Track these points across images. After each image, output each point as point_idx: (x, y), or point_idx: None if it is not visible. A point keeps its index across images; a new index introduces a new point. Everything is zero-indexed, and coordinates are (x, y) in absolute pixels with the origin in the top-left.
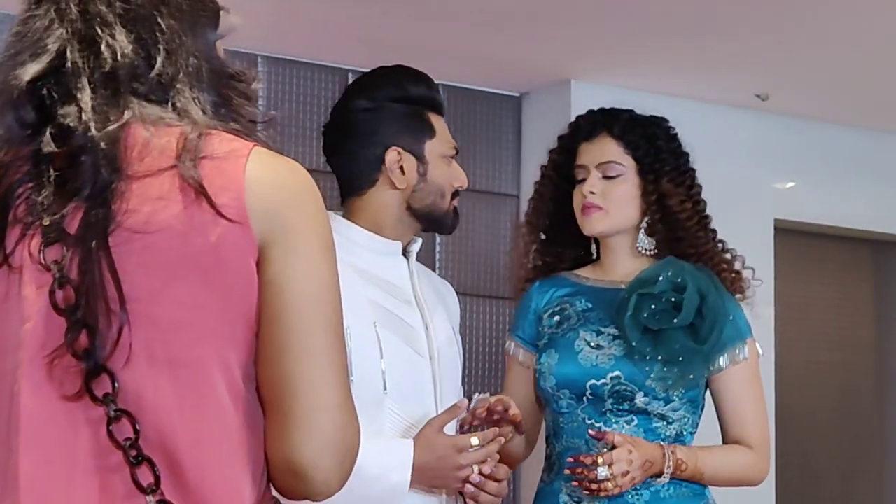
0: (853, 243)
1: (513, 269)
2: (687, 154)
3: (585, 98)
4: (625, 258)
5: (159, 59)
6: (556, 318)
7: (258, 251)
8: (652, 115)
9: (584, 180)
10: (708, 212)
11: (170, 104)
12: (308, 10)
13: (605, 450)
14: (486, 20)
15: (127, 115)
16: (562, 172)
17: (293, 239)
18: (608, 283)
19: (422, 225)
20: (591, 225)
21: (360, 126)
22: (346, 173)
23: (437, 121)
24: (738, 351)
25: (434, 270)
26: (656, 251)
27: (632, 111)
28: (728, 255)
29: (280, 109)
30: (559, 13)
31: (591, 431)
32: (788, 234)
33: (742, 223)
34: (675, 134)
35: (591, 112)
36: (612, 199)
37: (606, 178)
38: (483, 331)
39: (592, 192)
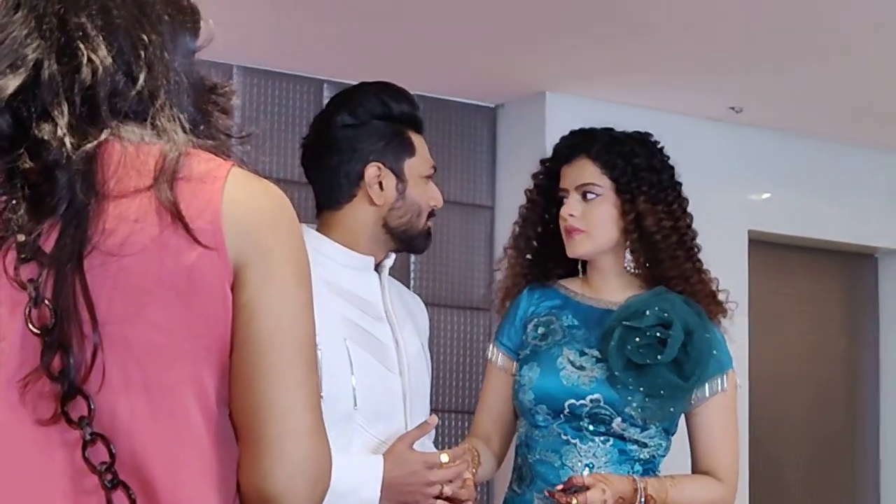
0: (826, 255)
1: (499, 284)
2: (671, 169)
3: (560, 110)
4: (612, 278)
5: (141, 77)
6: (542, 330)
7: (233, 274)
8: (636, 131)
9: (562, 200)
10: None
11: (149, 121)
12: (284, 20)
13: (578, 491)
14: (461, 31)
15: (105, 133)
16: (547, 195)
17: (268, 263)
18: (596, 302)
19: (396, 244)
20: (574, 248)
21: (342, 141)
22: (325, 187)
23: (417, 139)
24: (716, 382)
25: (408, 281)
26: (639, 271)
27: (611, 130)
28: (704, 276)
29: (255, 120)
30: (534, 24)
31: (548, 491)
32: (762, 246)
33: (716, 234)
34: (659, 149)
35: (570, 134)
36: (591, 220)
37: (585, 199)
38: (457, 342)
39: (572, 215)
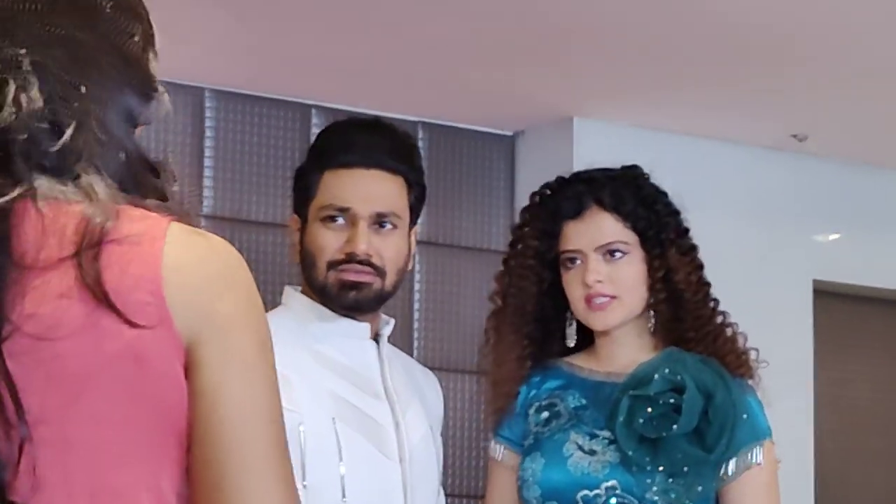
0: None
1: (494, 384)
2: (680, 212)
3: (590, 138)
4: (627, 347)
5: (68, 131)
6: (545, 414)
7: (185, 353)
8: (623, 167)
9: (572, 263)
10: (736, 270)
11: (70, 180)
12: (265, 36)
13: None
14: (474, 49)
15: (19, 189)
16: (543, 259)
17: (226, 337)
18: (605, 376)
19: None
20: (606, 319)
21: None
22: None
23: (335, 177)
24: (751, 455)
25: (411, 341)
26: (657, 334)
27: (607, 169)
28: (730, 331)
29: (231, 152)
30: (559, 40)
31: None
32: (830, 297)
33: (775, 284)
34: (662, 189)
35: (566, 181)
36: (621, 283)
37: (608, 259)
38: (469, 414)
39: (599, 281)
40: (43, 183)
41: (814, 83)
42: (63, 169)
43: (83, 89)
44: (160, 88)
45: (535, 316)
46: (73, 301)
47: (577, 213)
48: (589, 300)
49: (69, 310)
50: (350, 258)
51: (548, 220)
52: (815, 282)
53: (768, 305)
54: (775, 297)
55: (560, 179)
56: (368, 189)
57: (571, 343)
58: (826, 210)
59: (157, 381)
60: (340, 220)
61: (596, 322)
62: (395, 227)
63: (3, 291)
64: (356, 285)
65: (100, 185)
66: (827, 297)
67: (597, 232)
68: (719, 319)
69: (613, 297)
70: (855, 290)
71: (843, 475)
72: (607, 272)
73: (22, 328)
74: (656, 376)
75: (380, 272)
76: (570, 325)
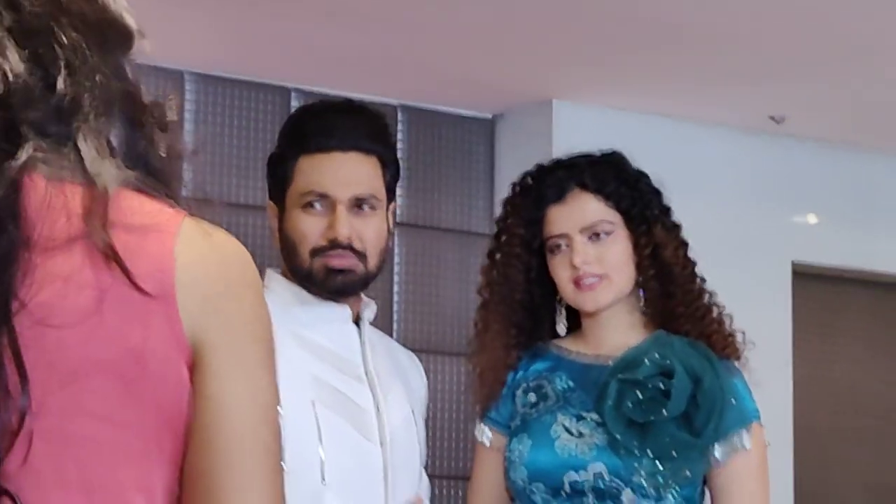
0: (884, 289)
1: (482, 374)
2: (661, 191)
3: (569, 120)
4: (615, 328)
5: (60, 79)
6: (532, 396)
7: (191, 354)
8: (604, 152)
9: (558, 248)
10: (715, 253)
11: (71, 143)
12: (245, 19)
13: None
14: (453, 32)
15: (24, 155)
16: (529, 247)
17: (235, 344)
18: (593, 359)
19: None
20: (596, 300)
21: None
22: None
23: (311, 162)
24: (738, 439)
25: (391, 323)
26: (647, 311)
27: (588, 155)
28: (716, 311)
29: (211, 136)
30: (539, 23)
31: None
32: (809, 279)
33: (754, 266)
34: (643, 170)
35: (547, 167)
36: (609, 262)
37: (594, 239)
38: (451, 395)
39: (587, 263)
40: (45, 153)
41: (791, 65)
42: (62, 129)
43: (66, 38)
44: (138, 34)
45: (522, 304)
46: (81, 285)
47: (559, 197)
48: (577, 282)
49: (75, 295)
50: (333, 244)
51: (531, 207)
52: (794, 263)
53: (748, 287)
54: (755, 279)
55: (540, 167)
56: (347, 173)
57: (562, 331)
58: (804, 192)
59: (159, 383)
60: (319, 206)
61: (586, 303)
62: (373, 208)
63: (11, 263)
64: (341, 271)
65: (103, 152)
66: (806, 278)
67: (580, 214)
68: (706, 298)
69: (602, 277)
70: (833, 272)
71: (823, 455)
72: (594, 253)
73: (27, 305)
74: (645, 360)
75: (361, 256)
76: (560, 312)
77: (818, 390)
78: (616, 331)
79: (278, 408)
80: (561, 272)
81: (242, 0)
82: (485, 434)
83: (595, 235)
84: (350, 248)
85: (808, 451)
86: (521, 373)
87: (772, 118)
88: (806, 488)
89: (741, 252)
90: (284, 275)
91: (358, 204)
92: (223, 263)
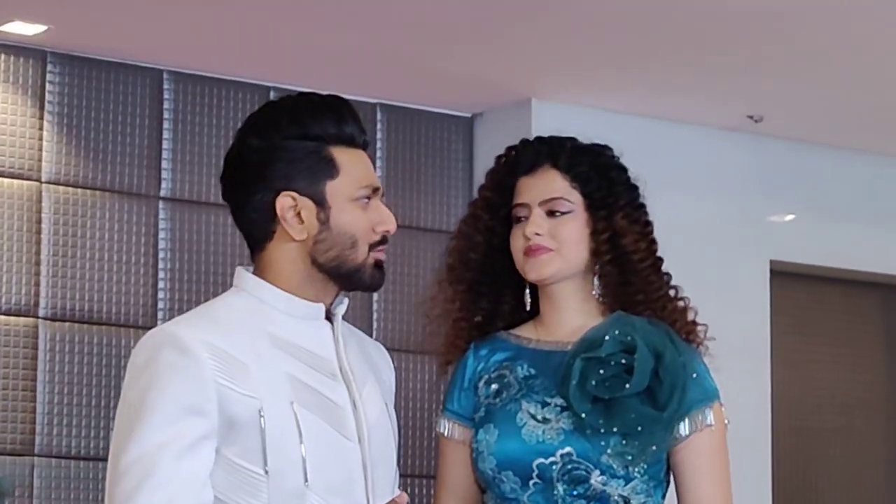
0: (861, 288)
1: (435, 333)
2: (638, 188)
3: (548, 119)
4: (572, 312)
5: None
6: (494, 386)
7: None
8: (595, 143)
9: (523, 220)
10: (693, 251)
11: None
12: (224, 18)
13: None
14: (432, 30)
15: None
16: (496, 212)
17: None
18: (553, 345)
19: (337, 283)
20: (540, 268)
21: (249, 168)
22: (243, 225)
23: (346, 155)
24: (702, 416)
25: (370, 322)
26: (604, 299)
27: (574, 139)
28: (681, 303)
29: (190, 134)
30: (518, 21)
31: None
32: (786, 278)
33: (732, 265)
34: (624, 165)
35: (529, 142)
36: (561, 238)
37: (552, 216)
38: (428, 395)
39: (538, 234)
40: None
41: (770, 64)
42: None
43: None
44: None
45: (479, 265)
46: None
47: (531, 169)
48: (528, 251)
49: None
50: (385, 238)
51: (505, 174)
52: (772, 262)
53: (725, 286)
54: (732, 278)
55: (524, 140)
56: (370, 167)
57: (527, 306)
58: (782, 191)
59: None
60: (369, 200)
61: (530, 270)
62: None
63: None
64: (383, 264)
65: None
66: (783, 277)
67: (544, 187)
68: (672, 292)
69: (550, 250)
70: (811, 271)
71: (800, 453)
72: (548, 227)
73: None
74: (607, 337)
75: None
76: (526, 293)
77: (796, 388)
78: (573, 315)
79: (260, 410)
80: (515, 242)
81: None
82: (447, 427)
83: (553, 212)
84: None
85: (786, 449)
86: (481, 364)
87: (750, 117)
88: (784, 486)
89: (719, 250)
90: (258, 274)
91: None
92: None
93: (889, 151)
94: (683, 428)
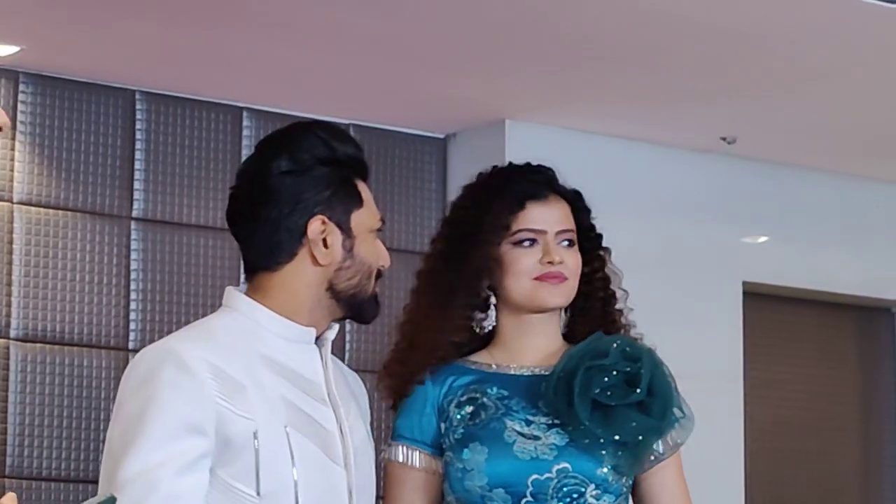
0: (834, 310)
1: (393, 364)
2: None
3: (522, 141)
4: (543, 338)
5: None
6: (469, 408)
7: None
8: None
9: (529, 243)
10: (666, 272)
11: None
12: (196, 38)
13: None
14: (406, 51)
15: None
16: (498, 234)
17: None
18: (518, 370)
19: (342, 311)
20: (561, 295)
21: (282, 190)
22: (263, 244)
23: (364, 189)
24: (672, 437)
25: (343, 344)
26: (567, 327)
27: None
28: (629, 327)
29: (163, 154)
30: (492, 43)
31: None
32: (759, 300)
33: (705, 286)
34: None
35: (533, 168)
36: (571, 269)
37: (567, 245)
38: None
39: (562, 262)
40: None
41: (743, 87)
42: None
43: None
44: None
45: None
46: None
47: (541, 195)
48: (545, 276)
49: None
50: (381, 273)
51: (510, 198)
52: (745, 283)
53: (698, 307)
54: (705, 299)
55: (515, 165)
56: None
57: (489, 326)
58: (755, 212)
59: None
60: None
61: (550, 296)
62: None
63: None
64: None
65: None
66: (756, 298)
67: (559, 216)
68: (623, 320)
69: (566, 279)
70: (784, 292)
71: (774, 475)
72: (564, 256)
73: None
74: (614, 346)
75: None
76: (487, 311)
77: (769, 410)
78: (543, 341)
79: (255, 432)
80: (524, 265)
81: (193, 20)
82: (405, 454)
83: (568, 242)
84: None
85: (759, 472)
86: (444, 389)
87: (723, 139)
88: None
89: (692, 272)
90: (251, 294)
91: None
92: None
93: (862, 173)
94: (665, 445)
